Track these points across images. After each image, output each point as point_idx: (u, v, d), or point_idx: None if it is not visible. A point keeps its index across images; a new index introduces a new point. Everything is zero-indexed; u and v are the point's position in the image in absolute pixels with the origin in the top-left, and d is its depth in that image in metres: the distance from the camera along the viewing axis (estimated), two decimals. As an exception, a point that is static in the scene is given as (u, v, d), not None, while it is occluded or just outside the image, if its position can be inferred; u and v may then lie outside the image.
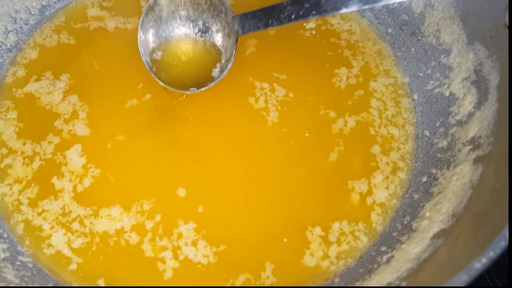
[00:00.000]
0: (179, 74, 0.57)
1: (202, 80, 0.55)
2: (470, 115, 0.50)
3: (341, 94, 0.57)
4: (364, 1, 0.46)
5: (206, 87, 0.54)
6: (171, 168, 0.53)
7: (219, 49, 0.56)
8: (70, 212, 0.50)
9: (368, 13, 0.62)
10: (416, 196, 0.50)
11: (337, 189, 0.51)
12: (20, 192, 0.51)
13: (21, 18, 0.63)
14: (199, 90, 0.54)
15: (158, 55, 0.57)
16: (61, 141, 0.54)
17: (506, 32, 0.47)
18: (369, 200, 0.50)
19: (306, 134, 0.53)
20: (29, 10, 0.64)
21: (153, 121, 0.56)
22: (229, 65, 0.54)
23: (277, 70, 0.58)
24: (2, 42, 0.61)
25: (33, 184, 0.52)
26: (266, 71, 0.58)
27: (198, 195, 0.50)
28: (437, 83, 0.55)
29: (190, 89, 0.54)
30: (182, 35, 0.57)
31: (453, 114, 0.52)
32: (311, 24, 0.62)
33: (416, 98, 0.56)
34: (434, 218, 0.46)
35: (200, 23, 0.57)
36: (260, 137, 0.54)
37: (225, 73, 0.54)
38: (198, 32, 0.57)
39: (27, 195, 0.51)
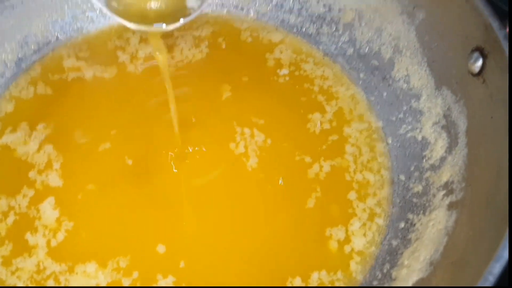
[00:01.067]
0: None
1: (173, 11, 0.43)
2: (442, 159, 0.51)
3: (316, 139, 0.57)
4: None
5: (179, 23, 0.40)
6: (148, 220, 0.52)
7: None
8: (44, 268, 0.49)
9: (340, 59, 0.64)
10: (394, 243, 0.50)
11: (315, 237, 0.50)
12: (-7, 251, 0.50)
13: (-3, 72, 0.64)
14: (168, 27, 0.41)
15: None
16: (35, 193, 0.53)
17: (471, 78, 0.48)
18: (347, 248, 0.50)
19: (280, 182, 0.53)
20: (5, 63, 0.64)
21: (129, 171, 0.55)
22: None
23: (255, 115, 0.59)
24: (-23, 97, 0.61)
25: (6, 241, 0.51)
26: (244, 116, 0.58)
27: (177, 250, 0.50)
28: (409, 127, 0.56)
29: (155, 24, 0.41)
30: None
31: (427, 158, 0.53)
32: (284, 70, 0.63)
33: (390, 142, 0.57)
34: (413, 267, 0.46)
35: None
36: (239, 185, 0.54)
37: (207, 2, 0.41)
38: None
39: (1, 253, 0.50)
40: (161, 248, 0.50)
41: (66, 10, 0.68)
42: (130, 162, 0.56)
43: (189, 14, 0.42)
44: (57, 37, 0.68)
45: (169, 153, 0.56)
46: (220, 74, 0.63)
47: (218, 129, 0.58)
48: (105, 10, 0.41)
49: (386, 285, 0.46)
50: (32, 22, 0.66)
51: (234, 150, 0.56)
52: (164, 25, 0.41)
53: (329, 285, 0.48)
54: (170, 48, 0.67)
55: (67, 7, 0.68)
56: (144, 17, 0.42)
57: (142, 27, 0.41)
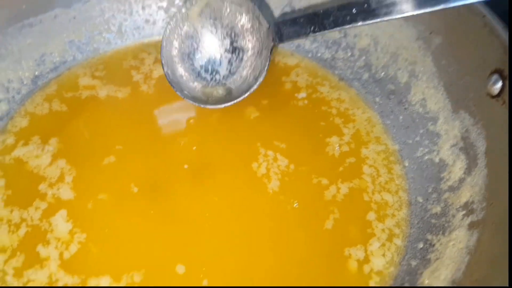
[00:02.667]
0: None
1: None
2: (461, 180, 0.51)
3: (335, 161, 0.57)
4: (420, 5, 0.43)
5: (228, 103, 0.52)
6: (163, 235, 0.51)
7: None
8: (57, 280, 0.48)
9: (356, 83, 0.65)
10: (413, 263, 0.49)
11: (335, 257, 0.50)
12: (5, 262, 0.49)
13: (14, 88, 0.64)
14: (218, 106, 0.52)
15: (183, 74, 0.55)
16: (48, 206, 0.53)
17: (489, 100, 0.49)
18: (366, 268, 0.49)
19: (295, 205, 0.53)
20: (21, 80, 0.65)
21: (144, 187, 0.55)
22: (260, 79, 0.51)
23: (277, 139, 0.59)
24: (-7, 111, 0.62)
25: (18, 253, 0.50)
26: (268, 138, 0.59)
27: (197, 270, 0.49)
28: (426, 150, 0.56)
29: (208, 105, 0.53)
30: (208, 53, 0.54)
31: (445, 180, 0.53)
32: (302, 93, 0.64)
33: (407, 164, 0.57)
34: (434, 286, 0.45)
35: (227, 42, 0.53)
36: (260, 205, 0.54)
37: (253, 89, 0.51)
38: (224, 52, 0.54)
39: (13, 265, 0.49)
40: (180, 268, 0.49)
41: (83, 31, 0.70)
42: (145, 177, 0.56)
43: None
44: (74, 57, 0.69)
45: (185, 166, 0.56)
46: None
47: (241, 149, 0.58)
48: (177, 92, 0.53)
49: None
50: (50, 41, 0.68)
51: (256, 170, 0.56)
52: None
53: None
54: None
55: (85, 29, 0.70)
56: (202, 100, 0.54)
57: (201, 105, 0.54)
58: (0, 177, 0.56)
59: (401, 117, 0.60)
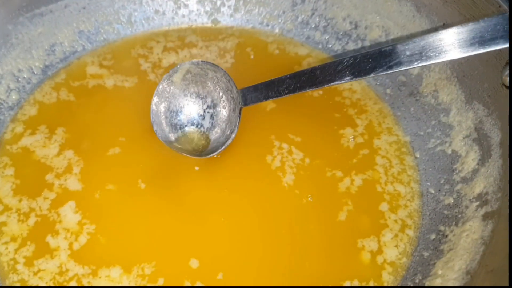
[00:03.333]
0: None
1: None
2: (475, 172, 0.51)
3: (349, 153, 0.57)
4: (355, 74, 0.48)
5: (211, 155, 0.55)
6: (177, 230, 0.51)
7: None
8: (67, 270, 0.48)
9: (367, 75, 0.64)
10: (426, 254, 0.49)
11: (348, 248, 0.50)
12: (16, 250, 0.49)
13: (24, 77, 0.64)
14: (202, 157, 0.55)
15: (171, 137, 0.58)
16: (56, 196, 0.53)
17: (504, 91, 0.48)
18: (379, 259, 0.49)
19: (309, 198, 0.53)
20: (31, 69, 0.65)
21: (156, 177, 0.55)
22: (233, 135, 0.55)
23: (292, 131, 0.59)
24: (4, 100, 0.61)
25: (28, 242, 0.50)
26: (283, 131, 0.59)
27: (211, 263, 0.49)
28: (438, 141, 0.56)
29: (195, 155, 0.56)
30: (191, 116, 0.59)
31: (457, 171, 0.53)
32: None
33: (418, 156, 0.57)
34: (447, 276, 0.45)
35: (209, 100, 0.58)
36: (274, 198, 0.54)
37: (229, 142, 0.55)
38: (206, 108, 0.58)
39: (23, 254, 0.49)
40: (194, 263, 0.49)
41: (93, 21, 0.70)
42: (159, 169, 0.56)
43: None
44: (84, 47, 0.69)
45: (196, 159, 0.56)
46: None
47: (254, 141, 0.58)
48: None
49: (420, 295, 0.45)
50: (60, 31, 0.67)
51: (270, 163, 0.56)
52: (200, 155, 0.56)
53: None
54: (194, 57, 0.68)
55: (95, 19, 0.70)
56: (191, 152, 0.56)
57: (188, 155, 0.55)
58: (9, 166, 0.56)
59: (412, 109, 0.60)
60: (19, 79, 0.63)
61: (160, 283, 0.47)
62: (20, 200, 0.53)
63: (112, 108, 0.62)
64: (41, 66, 0.66)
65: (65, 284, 0.47)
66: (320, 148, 0.57)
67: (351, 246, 0.50)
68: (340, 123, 0.60)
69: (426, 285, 0.46)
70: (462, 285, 0.43)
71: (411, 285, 0.47)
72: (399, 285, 0.47)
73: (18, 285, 0.47)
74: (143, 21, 0.71)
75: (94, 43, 0.69)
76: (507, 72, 0.48)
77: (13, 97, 0.62)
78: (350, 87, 0.63)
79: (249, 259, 0.49)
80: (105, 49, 0.69)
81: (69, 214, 0.52)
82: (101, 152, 0.57)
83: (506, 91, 0.48)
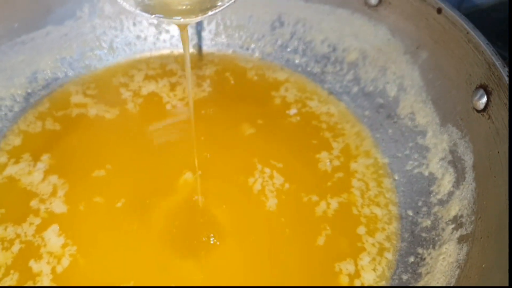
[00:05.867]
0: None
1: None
2: (450, 194, 0.52)
3: (325, 177, 0.58)
4: None
5: (206, 14, 0.41)
6: (156, 252, 0.51)
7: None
8: (49, 295, 0.48)
9: (345, 97, 0.65)
10: (404, 277, 0.49)
11: (326, 272, 0.50)
12: (-1, 281, 0.49)
13: (6, 105, 0.64)
14: (192, 20, 0.41)
15: None
16: (41, 221, 0.53)
17: (476, 115, 0.49)
18: (357, 283, 0.49)
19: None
20: (14, 97, 0.65)
21: (139, 200, 0.55)
22: None
23: (273, 157, 0.59)
24: (-15, 129, 0.62)
25: (12, 271, 0.50)
26: (264, 156, 0.59)
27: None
28: (416, 163, 0.57)
29: (180, 17, 0.41)
30: None
31: (434, 193, 0.53)
32: (293, 109, 0.65)
33: (397, 178, 0.57)
34: (432, 286, 0.45)
35: None
36: (256, 221, 0.54)
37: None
38: None
39: (7, 283, 0.49)
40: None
41: (74, 48, 0.70)
42: (136, 192, 0.56)
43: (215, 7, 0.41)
44: (66, 73, 0.69)
45: (184, 176, 0.57)
46: (229, 113, 0.65)
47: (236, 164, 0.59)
48: (133, 9, 0.41)
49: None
50: (42, 58, 0.68)
51: (252, 186, 0.57)
52: (186, 19, 0.41)
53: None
54: (172, 87, 0.68)
55: (76, 45, 0.70)
56: (169, 11, 0.41)
57: (168, 20, 0.42)
58: (-7, 196, 0.56)
59: (390, 131, 0.61)
60: (1, 107, 0.64)
61: None
62: (5, 228, 0.53)
63: (95, 136, 0.63)
64: (23, 94, 0.66)
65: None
66: (297, 172, 0.58)
67: (329, 270, 0.50)
68: (316, 148, 0.60)
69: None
70: (437, 309, 0.43)
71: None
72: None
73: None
74: (125, 47, 0.72)
75: (76, 69, 0.70)
76: (477, 96, 0.49)
77: (-5, 126, 0.63)
78: (328, 111, 0.64)
79: (229, 283, 0.49)
80: (88, 77, 0.70)
81: (52, 238, 0.52)
82: (86, 174, 0.57)
83: (478, 115, 0.49)
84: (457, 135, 0.52)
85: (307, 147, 0.61)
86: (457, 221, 0.49)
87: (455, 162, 0.52)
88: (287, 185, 0.57)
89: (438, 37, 0.54)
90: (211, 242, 0.53)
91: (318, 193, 0.56)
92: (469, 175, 0.50)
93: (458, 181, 0.51)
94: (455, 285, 0.44)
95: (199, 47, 0.73)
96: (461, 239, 0.47)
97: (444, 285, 0.46)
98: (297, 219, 0.54)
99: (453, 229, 0.49)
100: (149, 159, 0.60)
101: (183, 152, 0.61)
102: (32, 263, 0.50)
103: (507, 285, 0.36)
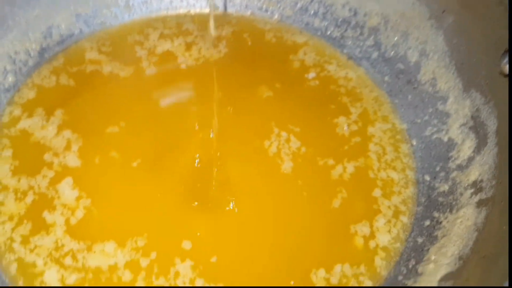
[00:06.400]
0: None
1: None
2: (470, 159, 0.51)
3: (343, 141, 0.57)
4: None
5: None
6: (170, 208, 0.52)
7: None
8: (63, 246, 0.49)
9: (365, 62, 0.64)
10: (420, 240, 0.49)
11: (341, 233, 0.50)
12: (12, 229, 0.50)
13: (20, 60, 0.64)
14: None
15: None
16: (55, 174, 0.53)
17: (502, 79, 0.48)
18: (372, 244, 0.49)
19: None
20: (28, 52, 0.64)
21: (155, 156, 0.55)
22: None
23: (290, 120, 0.58)
24: (0, 83, 0.61)
25: (25, 221, 0.50)
26: (281, 120, 0.58)
27: (205, 246, 0.49)
28: (435, 129, 0.56)
29: None
30: None
31: (453, 159, 0.53)
32: (311, 73, 0.63)
33: (415, 143, 0.57)
34: (440, 261, 0.45)
35: None
36: (270, 182, 0.54)
37: None
38: None
39: (20, 232, 0.50)
40: (186, 244, 0.49)
41: (90, 4, 0.69)
42: (151, 148, 0.56)
43: None
44: (81, 30, 0.68)
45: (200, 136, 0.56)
46: (245, 75, 0.64)
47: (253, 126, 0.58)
48: None
49: (411, 279, 0.46)
50: (57, 13, 0.67)
51: (267, 149, 0.56)
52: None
53: (352, 278, 0.47)
54: (188, 46, 0.67)
55: (92, 2, 0.69)
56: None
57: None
58: (7, 147, 0.56)
59: (409, 96, 0.60)
60: (16, 61, 0.63)
61: (152, 257, 0.48)
62: (18, 180, 0.53)
63: (109, 93, 0.62)
64: (38, 48, 0.65)
65: (60, 259, 0.48)
66: (315, 137, 0.57)
67: (344, 231, 0.50)
68: (334, 112, 0.59)
69: (419, 270, 0.46)
70: (454, 270, 0.43)
71: (404, 270, 0.47)
72: (392, 271, 0.48)
73: (14, 264, 0.48)
74: (141, 5, 0.71)
75: (92, 26, 0.69)
76: (505, 60, 0.48)
77: (10, 79, 0.62)
78: (346, 75, 0.63)
79: (244, 244, 0.50)
80: (103, 34, 0.68)
81: (66, 190, 0.52)
82: (100, 130, 0.57)
83: (504, 80, 0.48)
84: (481, 101, 0.51)
85: (325, 111, 0.60)
86: (476, 186, 0.48)
87: (476, 127, 0.51)
88: (303, 149, 0.56)
89: (465, 0, 0.53)
90: (226, 201, 0.52)
91: (335, 157, 0.56)
92: (491, 140, 0.49)
93: (479, 147, 0.50)
94: (472, 247, 0.44)
95: (215, 6, 0.71)
96: (480, 203, 0.47)
97: (459, 249, 0.45)
98: (312, 182, 0.54)
99: (472, 193, 0.48)
100: (163, 118, 0.60)
101: (197, 112, 0.61)
102: (45, 214, 0.51)
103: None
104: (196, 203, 0.52)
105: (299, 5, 0.70)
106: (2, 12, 0.61)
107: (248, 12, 0.71)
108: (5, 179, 0.53)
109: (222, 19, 0.71)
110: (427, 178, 0.54)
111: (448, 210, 0.49)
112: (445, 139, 0.55)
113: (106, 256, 0.48)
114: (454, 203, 0.49)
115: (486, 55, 0.51)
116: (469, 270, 0.42)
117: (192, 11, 0.72)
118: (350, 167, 0.55)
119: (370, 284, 0.47)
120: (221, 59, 0.66)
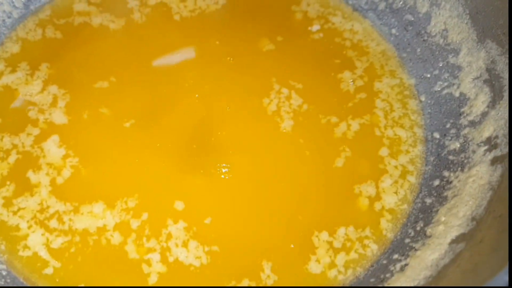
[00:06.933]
0: None
1: None
2: (484, 114, 0.48)
3: (347, 97, 0.54)
4: None
5: None
6: (162, 167, 0.49)
7: None
8: (48, 207, 0.46)
9: (371, 14, 0.60)
10: (428, 201, 0.47)
11: (344, 194, 0.48)
12: (-6, 192, 0.47)
13: (4, 11, 0.60)
14: None
15: None
16: (40, 131, 0.51)
17: (521, 28, 0.44)
18: (377, 206, 0.47)
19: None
20: (12, 2, 0.60)
21: (146, 113, 0.52)
22: None
23: (292, 76, 0.55)
24: (-18, 35, 0.58)
25: (8, 182, 0.48)
26: (283, 75, 0.55)
27: (199, 207, 0.47)
28: (445, 83, 0.53)
29: None
30: None
31: (465, 114, 0.49)
32: (315, 26, 0.59)
33: (423, 99, 0.53)
34: (451, 223, 0.42)
35: None
36: (269, 141, 0.51)
37: None
38: None
39: (3, 194, 0.47)
40: (178, 205, 0.47)
41: (80, -49, 0.64)
42: (143, 105, 0.53)
43: None
44: (69, -20, 0.64)
45: (196, 95, 0.53)
46: (244, 28, 0.60)
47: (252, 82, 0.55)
48: None
49: (419, 242, 0.43)
50: (44, -39, 0.62)
51: (266, 106, 0.53)
52: None
53: (356, 241, 0.45)
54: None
55: (82, -51, 0.64)
56: None
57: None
58: (-10, 104, 0.53)
59: (418, 50, 0.56)
60: (-2, 12, 0.59)
61: (143, 218, 0.46)
62: (1, 138, 0.50)
63: (98, 47, 0.58)
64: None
65: (46, 223, 0.46)
66: (318, 93, 0.54)
67: (348, 192, 0.47)
68: (339, 67, 0.56)
69: (427, 232, 0.44)
70: (466, 231, 0.40)
71: (412, 233, 0.45)
72: (398, 233, 0.45)
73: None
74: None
75: (81, -24, 0.64)
76: (526, 6, 0.44)
77: (-8, 32, 0.58)
78: (352, 28, 0.59)
79: (241, 205, 0.47)
80: (92, -16, 0.64)
81: (52, 148, 0.50)
82: (89, 86, 0.54)
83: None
84: (497, 51, 0.48)
85: (329, 66, 0.56)
86: (490, 142, 0.45)
87: (491, 80, 0.48)
88: (305, 106, 0.53)
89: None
90: (222, 161, 0.49)
91: (338, 114, 0.52)
92: (508, 94, 0.45)
93: (494, 101, 0.47)
94: (486, 207, 0.41)
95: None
96: (494, 161, 0.44)
97: (472, 210, 0.42)
98: (313, 141, 0.51)
99: (486, 150, 0.45)
100: (155, 74, 0.56)
101: (193, 68, 0.57)
102: (30, 174, 0.48)
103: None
104: (189, 162, 0.49)
105: (301, -47, 0.65)
106: (-18, -40, 0.57)
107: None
108: (-14, 138, 0.50)
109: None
110: (437, 135, 0.51)
111: (459, 168, 0.47)
112: (457, 94, 0.51)
113: (94, 217, 0.46)
114: (466, 161, 0.47)
115: (504, 2, 0.46)
116: (483, 231, 0.39)
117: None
118: (355, 125, 0.52)
119: (375, 247, 0.45)
120: (218, 10, 0.62)
